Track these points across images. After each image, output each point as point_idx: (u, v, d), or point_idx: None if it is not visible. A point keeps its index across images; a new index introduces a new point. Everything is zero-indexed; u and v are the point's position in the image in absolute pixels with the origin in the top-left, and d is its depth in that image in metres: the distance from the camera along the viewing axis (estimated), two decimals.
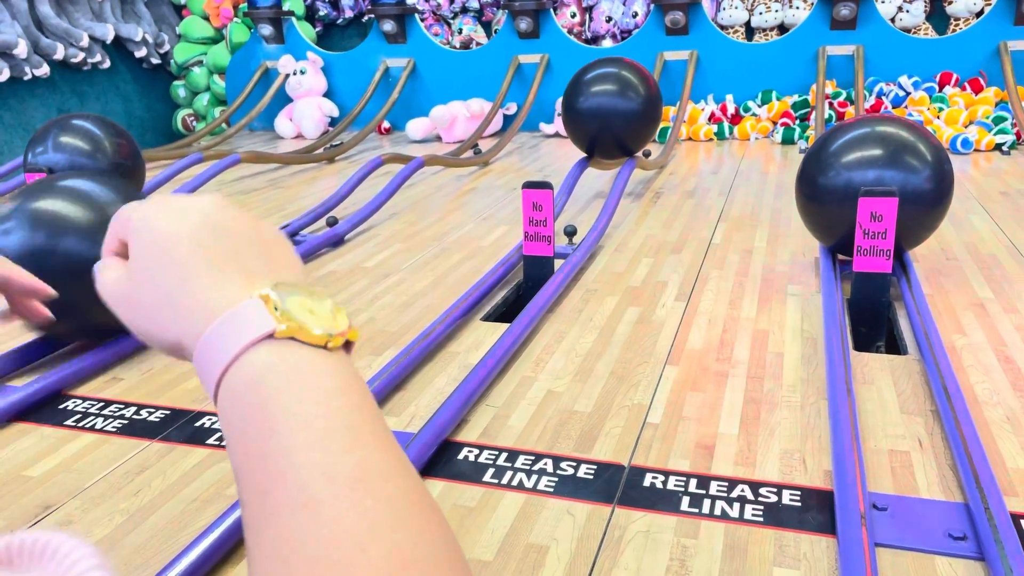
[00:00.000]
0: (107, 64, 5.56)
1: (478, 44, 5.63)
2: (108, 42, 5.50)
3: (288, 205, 3.59)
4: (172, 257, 0.45)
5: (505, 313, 2.31)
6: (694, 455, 1.47)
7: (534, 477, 1.41)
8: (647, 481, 1.39)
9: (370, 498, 0.37)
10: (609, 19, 5.36)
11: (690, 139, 4.87)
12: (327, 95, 5.73)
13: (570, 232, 2.66)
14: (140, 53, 5.79)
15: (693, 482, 1.38)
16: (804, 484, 1.37)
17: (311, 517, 0.36)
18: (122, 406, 1.73)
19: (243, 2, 5.95)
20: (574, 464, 1.45)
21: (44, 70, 5.05)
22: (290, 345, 0.42)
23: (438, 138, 5.24)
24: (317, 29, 6.11)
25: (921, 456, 1.44)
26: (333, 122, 5.66)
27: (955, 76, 4.66)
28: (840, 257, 2.36)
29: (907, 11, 4.90)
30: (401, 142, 5.25)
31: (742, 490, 1.36)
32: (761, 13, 5.14)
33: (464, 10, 5.70)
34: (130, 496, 1.40)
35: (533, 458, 1.47)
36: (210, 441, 1.57)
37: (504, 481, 1.40)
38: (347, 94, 5.70)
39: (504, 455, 1.48)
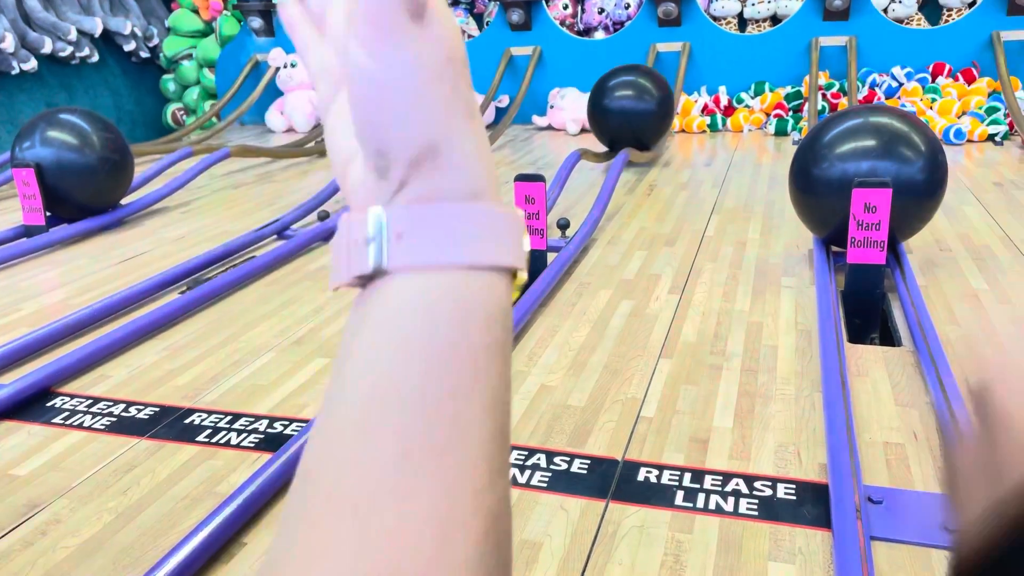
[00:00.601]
0: (95, 58, 5.51)
1: (470, 36, 5.60)
2: (96, 36, 5.45)
3: (279, 199, 3.57)
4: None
5: None
6: (688, 449, 1.46)
7: (527, 472, 1.40)
8: (641, 476, 1.38)
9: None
10: (601, 11, 5.33)
11: (683, 131, 4.85)
12: None
13: (563, 225, 2.64)
14: (129, 47, 5.75)
15: (687, 476, 1.37)
16: (799, 478, 1.36)
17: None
18: (110, 403, 1.71)
19: None
20: (568, 459, 1.44)
21: (32, 64, 5.00)
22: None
23: None
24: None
25: (916, 449, 1.43)
26: None
27: (948, 67, 4.65)
28: (834, 249, 2.35)
29: (900, 2, 4.89)
30: None
31: (737, 484, 1.35)
32: (754, 4, 5.12)
33: (455, 2, 5.66)
34: (119, 495, 1.38)
35: (526, 453, 1.46)
36: (199, 438, 1.56)
37: None
38: None
39: None
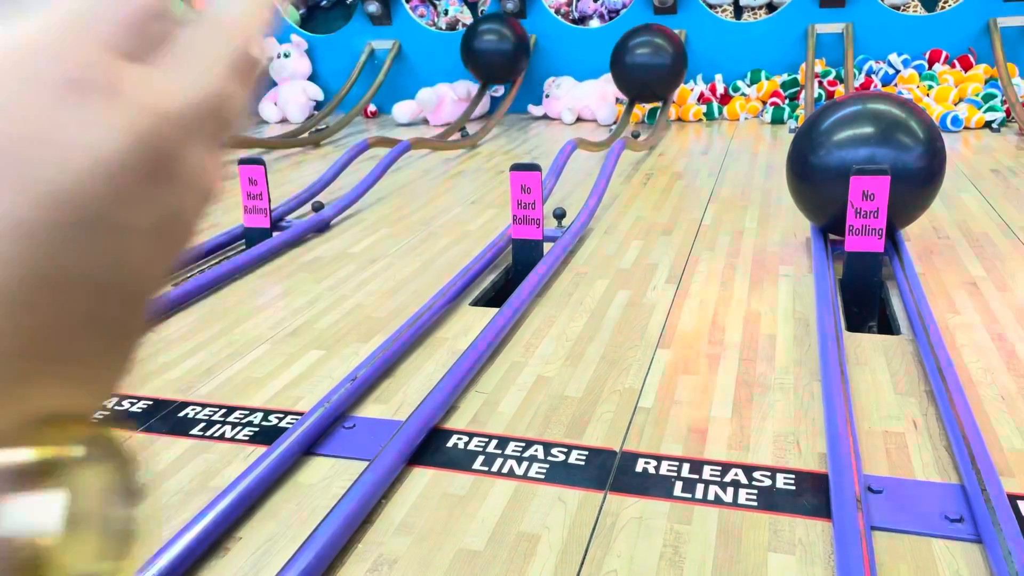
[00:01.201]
0: None
1: (464, 25, 5.57)
2: None
3: (273, 190, 3.53)
4: None
5: (494, 298, 2.28)
6: (687, 439, 1.45)
7: (525, 464, 1.39)
8: (639, 466, 1.37)
9: None
10: None
11: (679, 120, 4.83)
12: (311, 78, 5.65)
13: (559, 215, 2.62)
14: None
15: (686, 467, 1.36)
16: (798, 467, 1.35)
17: None
18: None
19: None
20: (565, 450, 1.43)
21: None
22: None
23: (425, 121, 5.18)
24: (300, 11, 6.03)
25: (916, 437, 1.42)
26: (318, 106, 5.59)
27: (945, 53, 4.63)
28: (832, 237, 2.33)
29: None
30: (387, 125, 5.19)
31: (736, 474, 1.34)
32: None
33: None
34: None
35: (524, 444, 1.45)
36: (193, 432, 1.54)
37: (494, 468, 1.38)
38: (332, 77, 5.62)
39: (494, 442, 1.46)
